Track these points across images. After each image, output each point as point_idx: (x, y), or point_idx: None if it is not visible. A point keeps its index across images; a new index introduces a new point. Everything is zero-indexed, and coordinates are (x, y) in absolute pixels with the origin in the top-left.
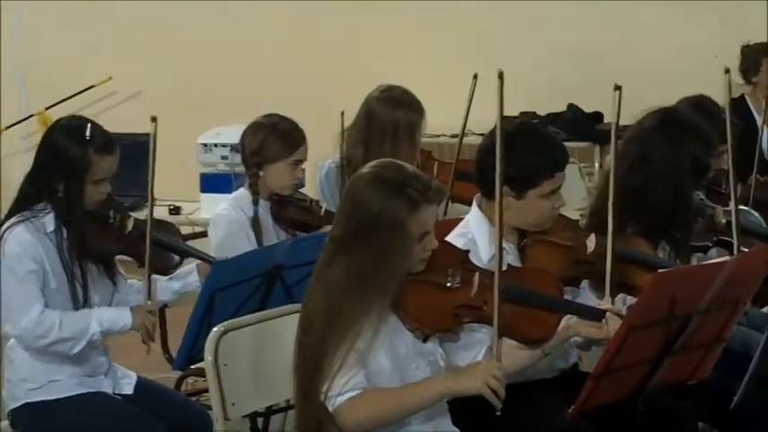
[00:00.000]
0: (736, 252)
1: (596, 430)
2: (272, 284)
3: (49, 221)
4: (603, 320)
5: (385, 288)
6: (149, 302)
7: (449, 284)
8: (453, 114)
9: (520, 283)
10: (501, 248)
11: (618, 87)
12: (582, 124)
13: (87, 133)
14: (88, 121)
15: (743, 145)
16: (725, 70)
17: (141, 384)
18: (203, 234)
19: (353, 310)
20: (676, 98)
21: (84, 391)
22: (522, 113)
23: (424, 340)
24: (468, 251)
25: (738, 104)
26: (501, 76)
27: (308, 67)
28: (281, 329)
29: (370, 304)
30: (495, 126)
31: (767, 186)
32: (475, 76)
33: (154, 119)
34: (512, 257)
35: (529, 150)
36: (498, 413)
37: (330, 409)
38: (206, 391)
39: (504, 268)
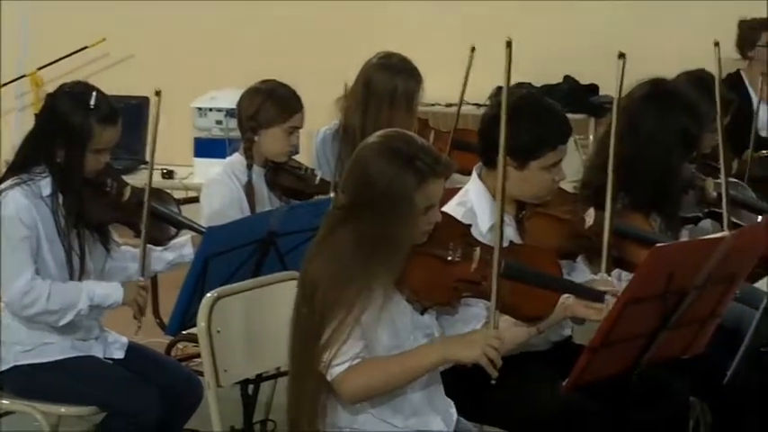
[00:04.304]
0: (726, 224)
1: (590, 403)
2: (266, 251)
3: (45, 185)
4: (605, 303)
5: (389, 259)
6: (142, 279)
7: (449, 258)
8: (447, 84)
9: (520, 260)
10: (502, 225)
11: (622, 55)
12: (578, 96)
13: (92, 102)
14: (94, 89)
15: (738, 120)
16: (714, 43)
17: (132, 349)
18: (196, 199)
19: (358, 280)
20: (675, 73)
21: (74, 355)
22: (517, 84)
23: (422, 313)
24: (470, 225)
25: (734, 80)
26: (509, 44)
27: (306, 33)
28: (274, 297)
29: (373, 275)
30: (500, 96)
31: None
32: (472, 49)
33: (158, 93)
34: (510, 229)
35: (533, 121)
36: (494, 382)
37: (329, 378)
38: (196, 356)
39: (505, 243)
